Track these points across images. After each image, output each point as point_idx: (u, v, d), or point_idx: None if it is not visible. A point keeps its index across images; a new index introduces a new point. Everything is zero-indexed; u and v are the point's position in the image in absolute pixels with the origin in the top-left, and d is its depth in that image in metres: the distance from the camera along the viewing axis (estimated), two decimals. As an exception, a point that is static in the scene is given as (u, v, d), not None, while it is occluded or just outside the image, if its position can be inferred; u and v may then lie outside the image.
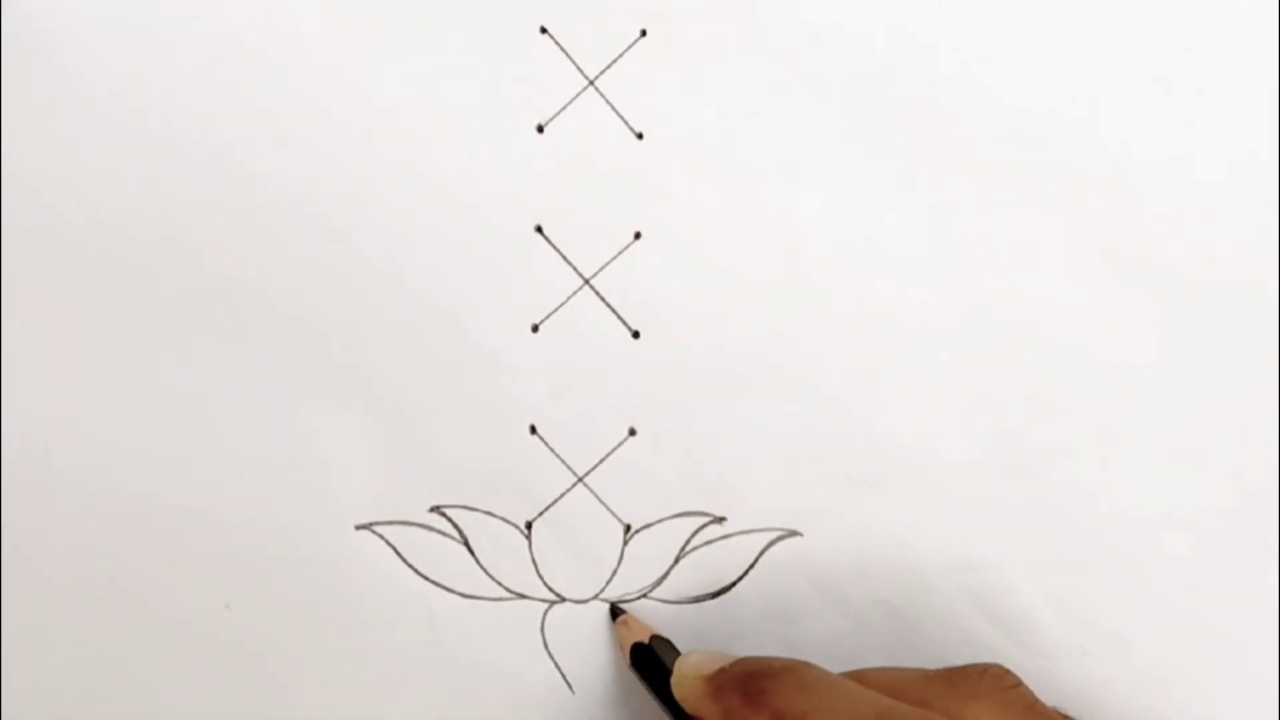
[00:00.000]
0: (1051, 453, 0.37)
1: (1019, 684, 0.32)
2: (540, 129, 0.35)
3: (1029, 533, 0.37)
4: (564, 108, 0.35)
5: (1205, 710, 0.37)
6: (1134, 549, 0.37)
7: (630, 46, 0.35)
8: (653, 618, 0.37)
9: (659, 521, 0.37)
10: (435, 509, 0.37)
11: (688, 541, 0.37)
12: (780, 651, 0.37)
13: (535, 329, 0.36)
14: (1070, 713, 0.33)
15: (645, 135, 0.36)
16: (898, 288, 0.36)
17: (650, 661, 0.35)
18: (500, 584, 0.37)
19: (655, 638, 0.36)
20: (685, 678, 0.33)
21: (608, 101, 0.35)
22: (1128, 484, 0.37)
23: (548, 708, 0.38)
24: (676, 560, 0.37)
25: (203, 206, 0.35)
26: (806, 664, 0.32)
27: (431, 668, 0.37)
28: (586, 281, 0.36)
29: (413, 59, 0.35)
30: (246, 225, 0.35)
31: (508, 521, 0.37)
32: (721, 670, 0.33)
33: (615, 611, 0.37)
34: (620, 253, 0.36)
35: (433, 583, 0.37)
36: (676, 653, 0.35)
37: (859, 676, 0.33)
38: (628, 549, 0.37)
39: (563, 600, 0.37)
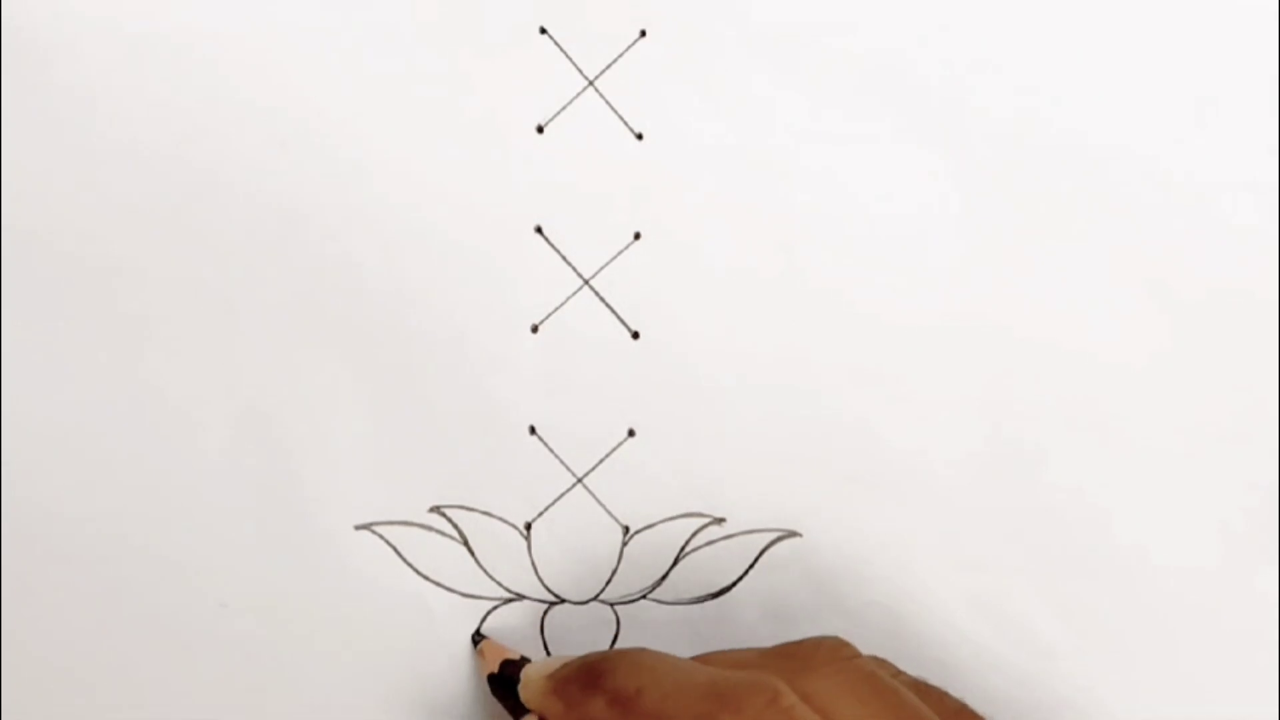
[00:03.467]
0: (1050, 453, 0.37)
1: (857, 655, 0.32)
2: (540, 129, 0.35)
3: (1027, 533, 0.37)
4: (564, 108, 0.35)
5: (1205, 711, 0.37)
6: (1133, 549, 0.37)
7: (630, 46, 0.35)
8: (653, 618, 0.37)
9: (658, 522, 0.37)
10: (435, 509, 0.37)
11: (687, 542, 0.37)
12: (780, 651, 0.37)
13: (535, 329, 0.36)
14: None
15: (645, 135, 0.36)
16: (897, 288, 0.36)
17: (507, 686, 0.35)
18: (500, 584, 0.37)
19: (507, 661, 0.36)
20: (530, 681, 0.34)
21: (608, 102, 0.35)
22: (1126, 484, 0.37)
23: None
24: (676, 561, 0.37)
25: (202, 207, 0.35)
26: (644, 649, 0.33)
27: (431, 668, 0.37)
28: (586, 282, 0.36)
29: (413, 59, 0.35)
30: (246, 225, 0.35)
31: (507, 522, 0.37)
32: (563, 665, 0.34)
33: (476, 639, 0.37)
34: (620, 253, 0.36)
35: (432, 583, 0.37)
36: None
37: (701, 658, 0.33)
38: (627, 549, 0.37)
39: (562, 601, 0.37)
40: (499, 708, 0.37)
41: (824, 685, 0.31)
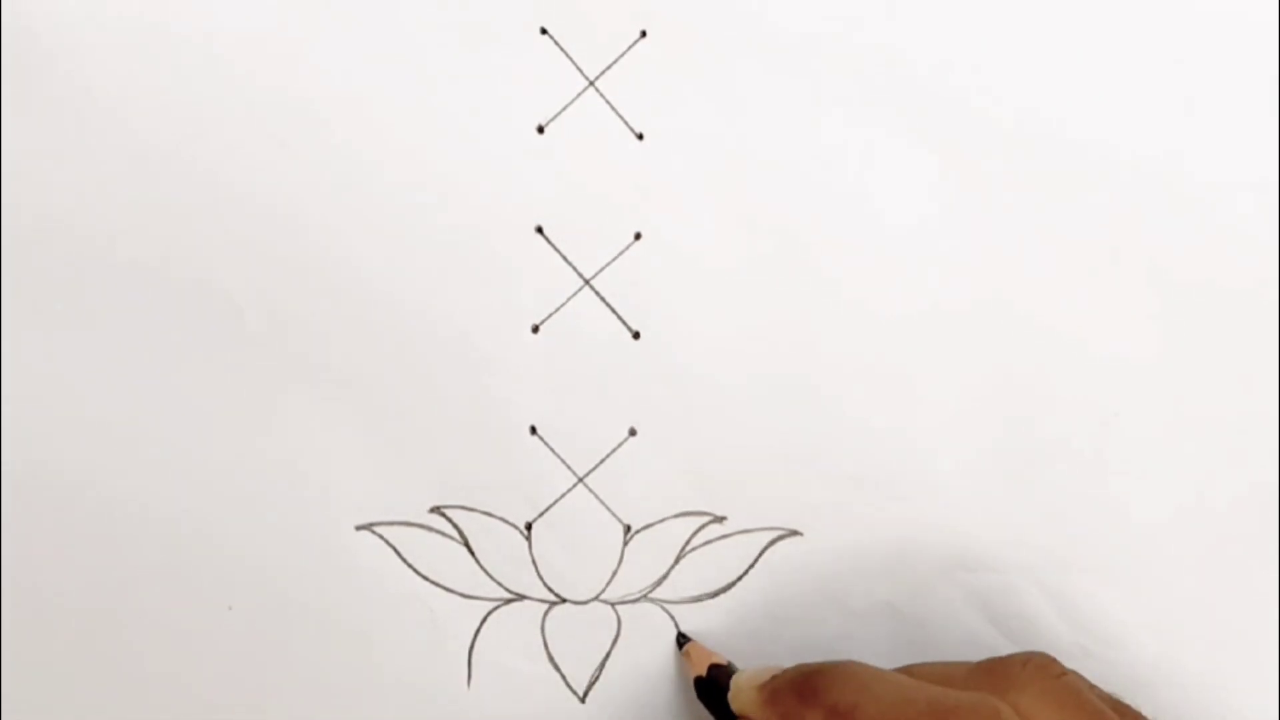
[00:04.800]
0: (1052, 452, 0.37)
1: (1065, 672, 0.32)
2: (540, 129, 0.35)
3: (1029, 532, 0.37)
4: (564, 108, 0.35)
5: (1206, 710, 0.37)
6: (1134, 549, 0.37)
7: (630, 47, 0.35)
8: (652, 618, 0.37)
9: (659, 521, 0.37)
10: (435, 509, 0.37)
11: (688, 541, 0.37)
12: (781, 652, 0.37)
13: (535, 329, 0.36)
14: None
15: (645, 135, 0.36)
16: (898, 287, 0.36)
17: (713, 690, 0.36)
18: (500, 585, 0.37)
19: (714, 666, 0.36)
20: (741, 690, 0.34)
21: (608, 102, 0.35)
22: (1128, 483, 0.37)
23: (548, 709, 0.38)
24: (677, 560, 0.37)
25: (202, 207, 0.35)
26: (856, 662, 0.33)
27: (431, 668, 0.37)
28: (587, 282, 0.36)
29: (413, 59, 0.35)
30: (246, 226, 0.35)
31: (508, 522, 0.37)
32: (775, 676, 0.33)
33: (681, 640, 0.37)
34: (620, 253, 0.36)
35: (433, 583, 0.37)
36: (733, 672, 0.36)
37: (906, 671, 0.33)
38: (628, 549, 0.37)
39: (563, 601, 0.37)
40: (499, 708, 0.37)
41: (1034, 703, 0.31)
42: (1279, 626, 0.37)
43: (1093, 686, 0.32)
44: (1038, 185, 0.36)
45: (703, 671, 0.36)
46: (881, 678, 0.32)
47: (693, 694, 0.36)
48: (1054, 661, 0.32)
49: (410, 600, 0.37)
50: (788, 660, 0.34)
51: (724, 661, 0.36)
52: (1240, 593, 0.37)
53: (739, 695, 0.34)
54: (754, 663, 0.36)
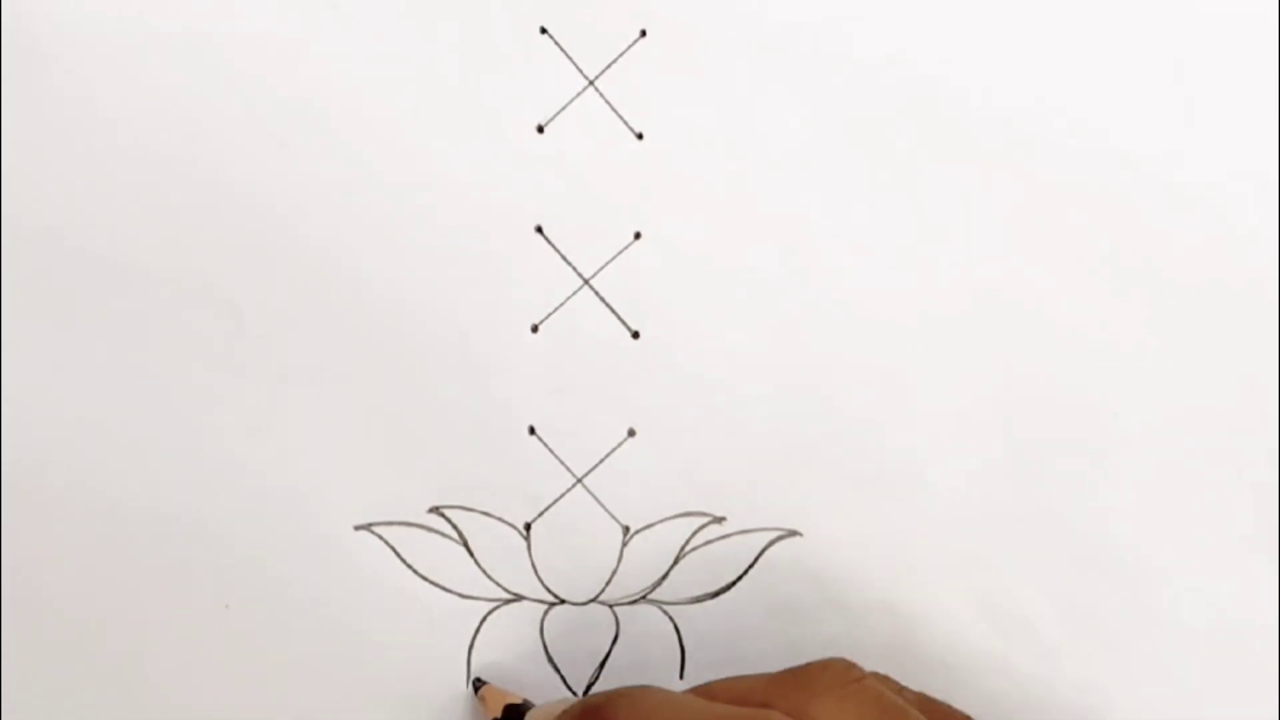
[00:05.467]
0: (1051, 453, 0.37)
1: (863, 675, 0.32)
2: (540, 129, 0.36)
3: (1029, 533, 0.37)
4: (564, 108, 0.35)
5: (1207, 711, 0.37)
6: (1134, 549, 0.37)
7: (630, 46, 0.35)
8: (651, 619, 0.37)
9: (658, 522, 0.37)
10: (434, 510, 0.37)
11: (687, 542, 0.37)
12: (781, 652, 0.37)
13: (535, 329, 0.36)
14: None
15: (645, 135, 0.36)
16: (898, 287, 0.36)
17: None
18: (499, 585, 0.37)
19: (509, 706, 0.36)
20: None
21: (608, 102, 0.35)
22: (1128, 484, 0.37)
23: (547, 710, 0.37)
24: (676, 561, 0.37)
25: (202, 207, 0.35)
26: (648, 687, 0.32)
27: (430, 669, 0.37)
28: (586, 282, 0.36)
29: (413, 59, 0.35)
30: (246, 225, 0.35)
31: (507, 523, 0.37)
32: (564, 711, 0.33)
33: (476, 685, 0.37)
34: (620, 253, 0.36)
35: (432, 584, 0.37)
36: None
37: (705, 690, 0.33)
38: (627, 550, 0.37)
39: (562, 602, 0.37)
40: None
41: (832, 710, 0.31)
42: (1279, 626, 0.37)
43: (901, 688, 0.32)
44: (1039, 186, 0.36)
45: (498, 714, 0.36)
46: (669, 700, 0.31)
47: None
48: (853, 666, 0.32)
49: (409, 601, 0.37)
50: (788, 662, 0.34)
51: (519, 700, 0.36)
52: (1240, 592, 0.37)
53: None
54: (754, 665, 0.35)
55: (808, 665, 0.32)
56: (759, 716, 0.30)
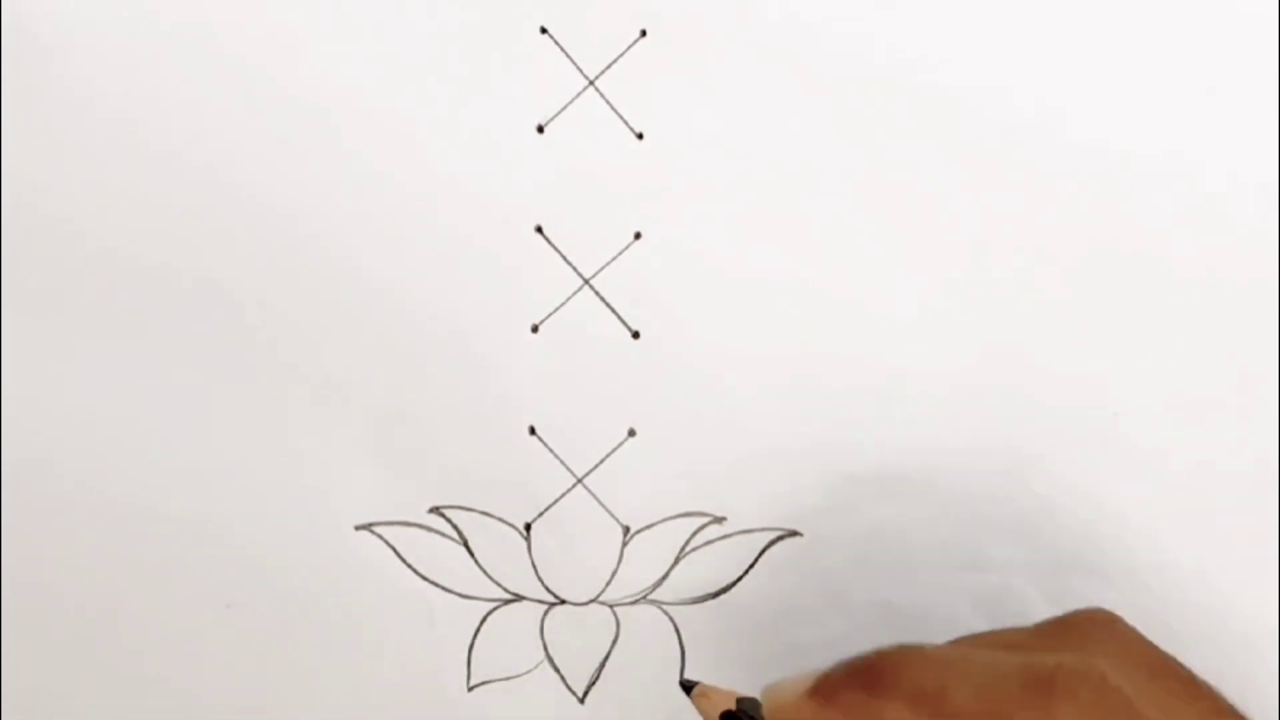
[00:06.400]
0: (1051, 452, 0.37)
1: (1123, 622, 0.30)
2: (540, 129, 0.35)
3: (1029, 532, 0.37)
4: (564, 108, 0.35)
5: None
6: (1134, 549, 0.37)
7: (630, 46, 0.35)
8: (651, 619, 0.37)
9: (659, 522, 0.37)
10: (435, 510, 0.37)
11: (687, 542, 0.37)
12: (781, 652, 0.37)
13: (535, 329, 0.36)
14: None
15: (645, 135, 0.36)
16: (897, 287, 0.36)
17: None
18: (499, 585, 0.37)
19: (741, 699, 0.32)
20: (784, 702, 0.29)
21: (608, 101, 0.35)
22: (1128, 484, 0.37)
23: (547, 710, 0.37)
24: (676, 561, 0.37)
25: (202, 207, 0.35)
26: (915, 644, 0.29)
27: (430, 668, 0.37)
28: (586, 282, 0.36)
29: (413, 59, 0.35)
30: (246, 225, 0.35)
31: (507, 523, 0.37)
32: (822, 677, 0.29)
33: (687, 687, 0.33)
34: (620, 253, 0.36)
35: (432, 583, 0.37)
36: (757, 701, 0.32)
37: (966, 644, 0.31)
38: (627, 550, 0.37)
39: (562, 602, 0.37)
40: (498, 709, 0.37)
41: (1108, 661, 0.28)
42: (1279, 625, 0.37)
43: (1152, 645, 0.30)
44: (1039, 185, 0.36)
45: (731, 705, 0.32)
46: (956, 654, 0.29)
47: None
48: (1118, 617, 0.30)
49: (409, 600, 0.37)
50: (789, 662, 0.34)
51: (743, 696, 0.32)
52: (1240, 592, 0.37)
53: (782, 708, 0.29)
54: (754, 665, 0.36)
55: (1071, 616, 0.30)
56: (1081, 663, 0.27)
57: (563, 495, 0.37)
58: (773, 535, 0.37)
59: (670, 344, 0.36)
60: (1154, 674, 0.28)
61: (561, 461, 0.37)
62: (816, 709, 0.29)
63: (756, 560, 0.37)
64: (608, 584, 0.37)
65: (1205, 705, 0.28)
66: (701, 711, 0.32)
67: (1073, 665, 0.27)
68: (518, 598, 0.37)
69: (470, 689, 0.37)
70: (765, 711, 0.30)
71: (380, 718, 0.37)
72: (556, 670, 0.37)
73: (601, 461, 0.37)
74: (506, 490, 0.37)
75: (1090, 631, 0.29)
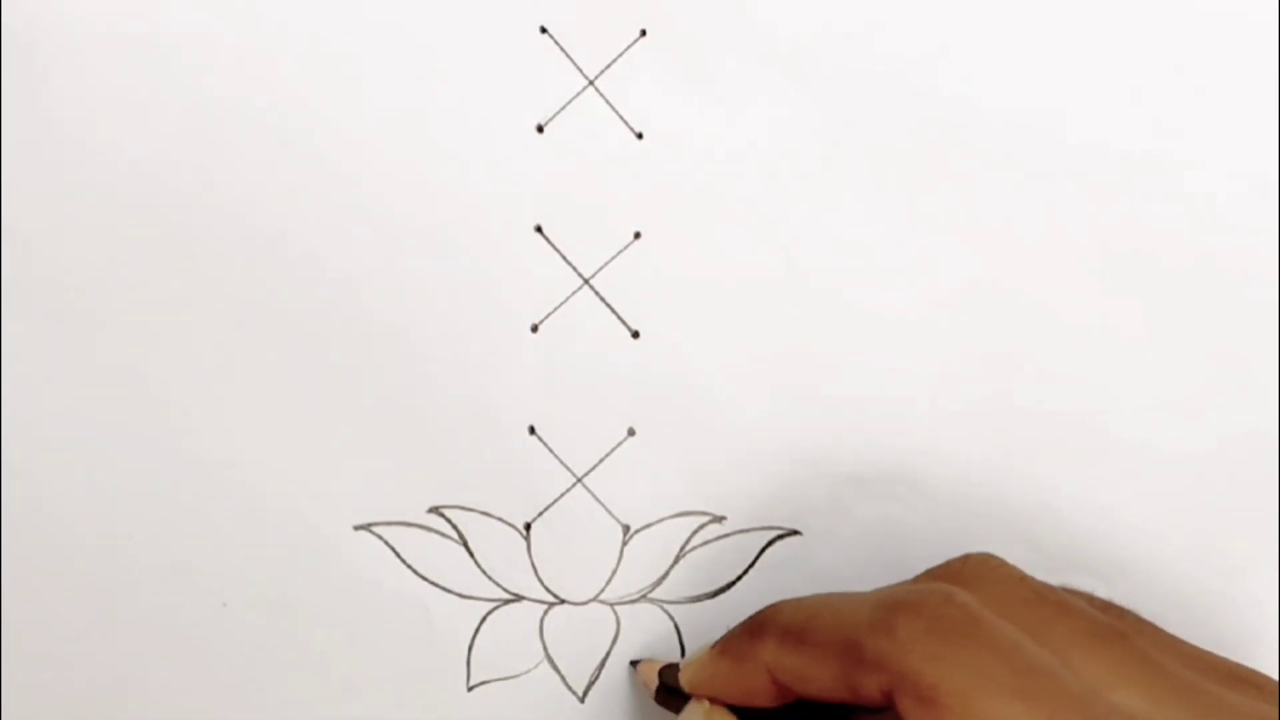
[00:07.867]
0: (1051, 452, 0.37)
1: (1005, 564, 0.31)
2: (540, 129, 0.35)
3: (1029, 533, 0.37)
4: (564, 108, 0.35)
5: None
6: (1131, 549, 0.37)
7: (630, 46, 0.35)
8: (651, 618, 0.37)
9: (658, 521, 0.37)
10: (434, 509, 0.37)
11: (687, 541, 0.37)
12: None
13: (535, 329, 0.36)
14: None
15: (645, 135, 0.36)
16: (897, 287, 0.36)
17: (674, 691, 0.35)
18: (499, 585, 0.37)
19: (665, 668, 0.36)
20: (692, 662, 0.34)
21: (608, 101, 0.35)
22: (1127, 483, 0.37)
23: (546, 710, 0.37)
24: (676, 560, 0.37)
25: (201, 207, 0.35)
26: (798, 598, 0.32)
27: (430, 668, 0.37)
28: (586, 282, 0.36)
29: (412, 59, 0.35)
30: (245, 225, 0.35)
31: (506, 522, 0.37)
32: (724, 635, 0.33)
33: (634, 664, 0.37)
34: (620, 253, 0.36)
35: (431, 583, 0.37)
36: None
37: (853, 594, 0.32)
38: (627, 549, 0.37)
39: (562, 602, 0.37)
40: (497, 709, 0.37)
41: (986, 597, 0.30)
42: (1279, 625, 0.37)
43: (1027, 575, 0.31)
44: (1036, 185, 0.36)
45: (654, 682, 0.36)
46: (830, 597, 0.31)
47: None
48: (1000, 559, 0.31)
49: (408, 600, 0.37)
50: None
51: (664, 663, 0.36)
52: (1240, 592, 0.37)
53: (690, 665, 0.34)
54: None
55: (948, 562, 0.32)
56: (928, 585, 0.29)
57: (562, 495, 0.37)
58: (772, 535, 0.37)
59: (670, 344, 0.36)
60: (1028, 602, 0.30)
61: (561, 461, 0.37)
62: (714, 659, 0.33)
63: (756, 559, 0.37)
64: (607, 583, 0.37)
65: (1074, 624, 0.29)
66: (643, 683, 0.36)
67: (920, 591, 0.29)
68: (517, 597, 0.37)
69: (470, 689, 0.37)
70: (682, 669, 0.34)
71: (380, 718, 0.37)
72: (556, 670, 0.37)
73: (601, 461, 0.37)
74: (506, 490, 0.37)
75: (962, 569, 0.31)
